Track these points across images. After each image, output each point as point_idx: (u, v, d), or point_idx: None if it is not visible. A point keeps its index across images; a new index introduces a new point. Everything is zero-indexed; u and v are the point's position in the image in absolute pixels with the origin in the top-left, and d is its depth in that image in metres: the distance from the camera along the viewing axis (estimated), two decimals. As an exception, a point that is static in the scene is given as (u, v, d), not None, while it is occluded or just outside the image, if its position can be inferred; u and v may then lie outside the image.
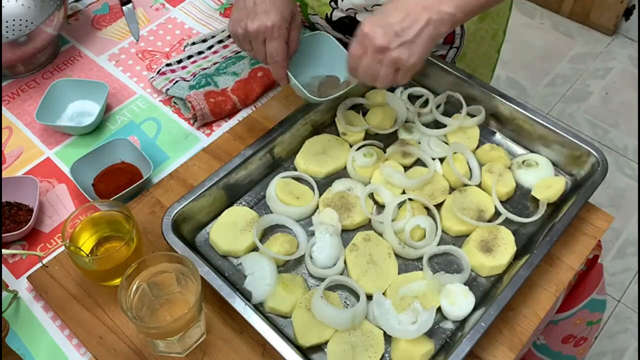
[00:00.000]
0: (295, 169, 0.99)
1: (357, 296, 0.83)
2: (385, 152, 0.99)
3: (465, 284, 0.85)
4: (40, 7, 1.19)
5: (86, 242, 0.85)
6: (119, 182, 0.97)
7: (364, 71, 0.82)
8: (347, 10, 1.06)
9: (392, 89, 1.09)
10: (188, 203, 0.88)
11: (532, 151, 1.00)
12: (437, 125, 1.04)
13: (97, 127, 1.08)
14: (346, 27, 1.10)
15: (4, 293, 0.86)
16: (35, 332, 0.85)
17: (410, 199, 0.92)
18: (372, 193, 0.94)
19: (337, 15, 1.08)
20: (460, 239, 0.91)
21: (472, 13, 0.83)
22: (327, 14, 1.09)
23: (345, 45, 1.14)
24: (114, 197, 0.92)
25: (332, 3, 1.06)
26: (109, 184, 0.98)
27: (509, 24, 1.23)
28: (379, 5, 1.05)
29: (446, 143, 1.01)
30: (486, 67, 1.27)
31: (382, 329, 0.80)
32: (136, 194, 0.96)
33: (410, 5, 0.79)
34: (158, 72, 1.14)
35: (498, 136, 1.03)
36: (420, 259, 0.88)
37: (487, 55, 1.24)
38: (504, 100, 0.99)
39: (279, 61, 0.90)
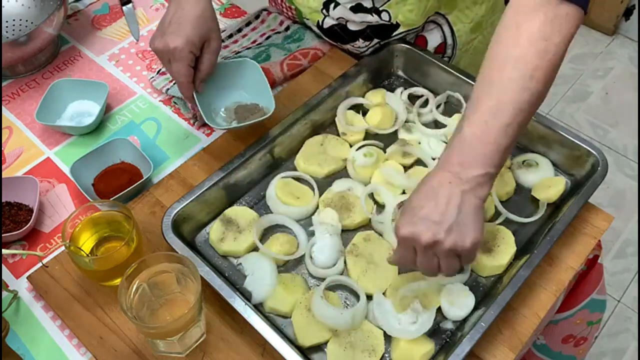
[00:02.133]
0: (295, 169, 0.99)
1: (357, 296, 0.83)
2: (385, 152, 0.99)
3: (465, 284, 0.85)
4: (40, 7, 1.19)
5: (86, 242, 0.85)
6: (119, 182, 0.97)
7: (424, 269, 0.75)
8: (337, 19, 1.06)
9: (392, 89, 1.09)
10: (188, 203, 0.88)
11: (532, 151, 1.00)
12: (437, 125, 1.04)
13: (97, 127, 1.08)
14: (337, 35, 1.10)
15: (4, 293, 0.86)
16: (35, 332, 0.85)
17: (410, 199, 0.92)
18: (372, 193, 0.94)
19: (328, 22, 1.08)
20: (460, 239, 0.91)
21: (505, 159, 0.74)
22: (318, 21, 1.09)
23: (349, 52, 1.16)
24: (114, 197, 0.92)
25: (324, 11, 1.06)
26: (109, 184, 0.98)
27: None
28: (369, 22, 1.05)
29: (446, 143, 1.01)
30: None
31: (382, 329, 0.80)
32: (136, 194, 0.96)
33: (435, 187, 0.71)
34: (158, 72, 1.14)
35: (498, 136, 1.03)
36: (420, 259, 0.88)
37: None
38: (504, 100, 0.99)
39: (182, 82, 0.91)
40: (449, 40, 1.12)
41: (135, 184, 0.94)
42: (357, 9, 1.03)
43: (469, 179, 0.71)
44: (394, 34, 1.07)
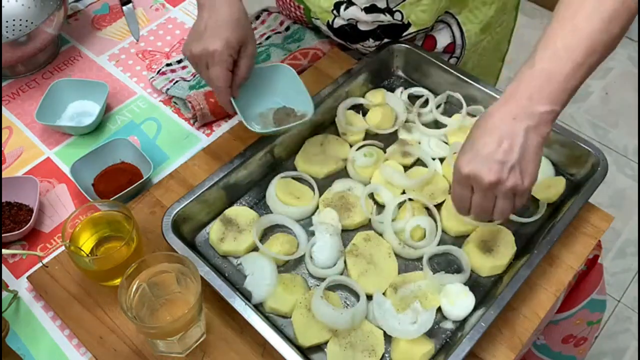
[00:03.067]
0: (295, 169, 0.99)
1: (357, 296, 0.83)
2: (385, 152, 0.99)
3: (465, 284, 0.85)
4: (40, 7, 1.19)
5: (86, 242, 0.85)
6: (119, 182, 0.97)
7: (477, 211, 0.75)
8: (348, 19, 1.06)
9: (392, 89, 1.09)
10: (188, 203, 0.88)
11: (532, 151, 1.00)
12: (437, 125, 1.04)
13: (97, 127, 1.08)
14: (347, 34, 1.10)
15: (4, 293, 0.86)
16: (35, 332, 0.85)
17: (410, 199, 0.92)
18: (372, 193, 0.94)
19: (338, 22, 1.08)
20: (460, 239, 0.91)
21: (569, 100, 0.73)
22: (328, 21, 1.09)
23: (345, 48, 1.16)
24: (114, 197, 0.92)
25: (334, 11, 1.06)
26: (109, 184, 0.98)
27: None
28: (381, 22, 1.05)
29: (446, 143, 1.01)
30: (489, 75, 1.26)
31: (382, 329, 0.80)
32: (136, 194, 0.96)
33: (498, 122, 0.70)
34: (158, 72, 1.14)
35: (498, 136, 1.03)
36: (420, 259, 0.88)
37: (490, 65, 1.24)
38: (504, 100, 0.99)
39: (220, 87, 0.88)
40: (458, 40, 1.12)
41: (135, 184, 0.94)
42: (371, 9, 1.03)
43: (534, 115, 0.69)
44: (405, 33, 1.07)
